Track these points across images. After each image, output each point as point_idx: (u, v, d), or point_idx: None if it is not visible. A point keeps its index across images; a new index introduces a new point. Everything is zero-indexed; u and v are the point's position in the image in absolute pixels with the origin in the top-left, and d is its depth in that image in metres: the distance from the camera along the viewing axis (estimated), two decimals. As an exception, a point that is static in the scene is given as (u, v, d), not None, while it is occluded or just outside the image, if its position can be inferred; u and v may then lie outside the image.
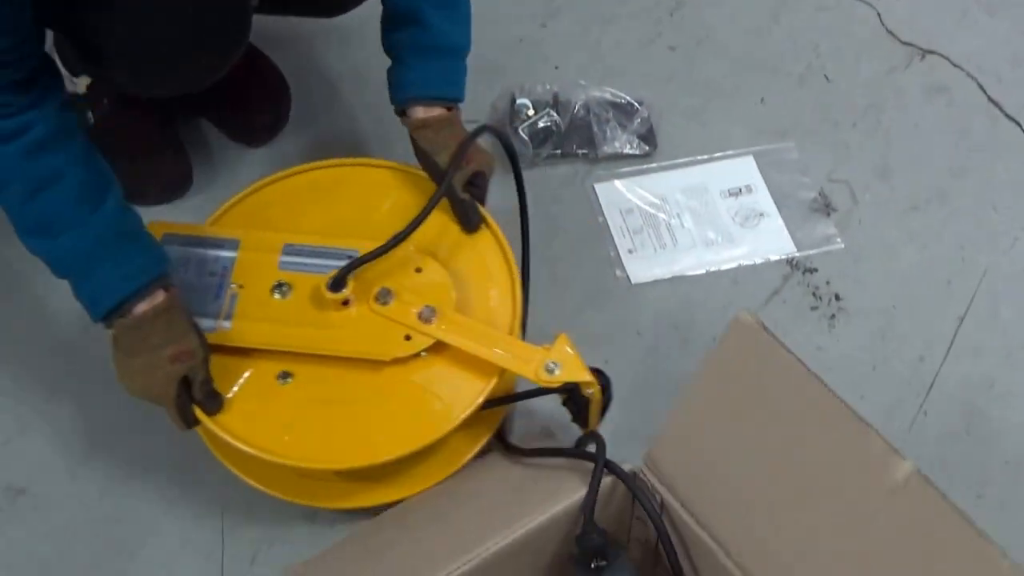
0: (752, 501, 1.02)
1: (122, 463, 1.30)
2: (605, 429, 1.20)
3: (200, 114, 1.58)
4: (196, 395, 1.15)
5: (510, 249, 1.31)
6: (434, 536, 1.12)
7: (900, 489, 0.92)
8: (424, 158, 1.31)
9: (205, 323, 1.19)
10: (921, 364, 1.47)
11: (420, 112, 1.30)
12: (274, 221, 1.30)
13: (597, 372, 1.21)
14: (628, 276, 1.52)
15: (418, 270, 1.25)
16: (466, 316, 1.23)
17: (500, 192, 1.40)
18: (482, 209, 1.33)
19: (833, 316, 1.49)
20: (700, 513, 1.06)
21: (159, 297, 1.13)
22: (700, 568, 1.09)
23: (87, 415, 1.33)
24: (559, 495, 1.09)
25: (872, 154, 1.65)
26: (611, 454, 1.11)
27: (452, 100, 1.32)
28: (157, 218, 1.39)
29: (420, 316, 1.21)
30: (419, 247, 1.27)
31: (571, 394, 1.23)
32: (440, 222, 1.31)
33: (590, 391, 1.21)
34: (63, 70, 1.40)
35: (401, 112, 1.32)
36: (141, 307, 1.12)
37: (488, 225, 1.33)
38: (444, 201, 1.30)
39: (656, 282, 1.51)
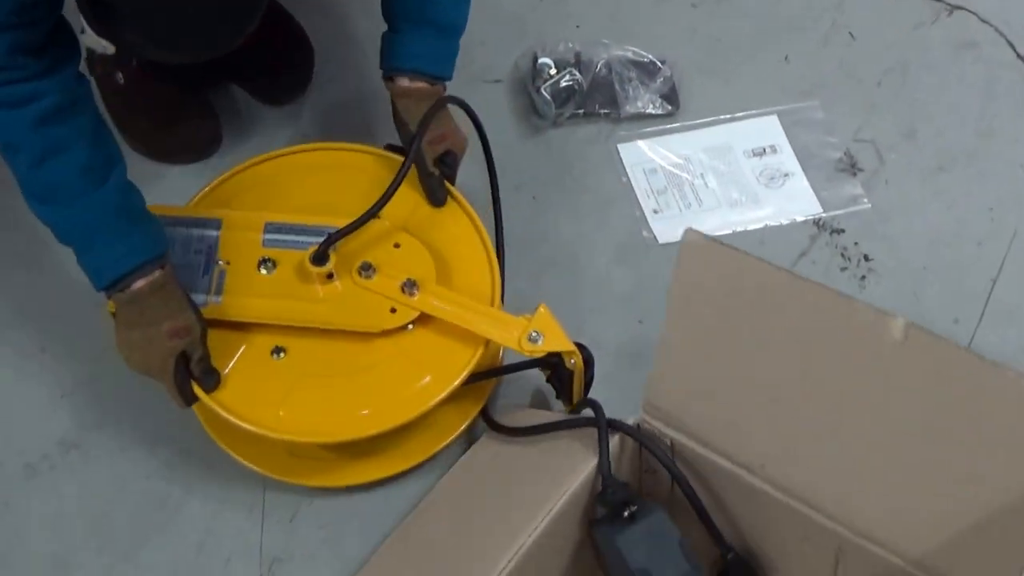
0: (761, 409, 1.01)
1: (171, 421, 1.30)
2: (625, 390, 1.21)
3: (225, 74, 1.58)
4: (194, 371, 1.17)
5: (481, 223, 1.34)
6: (469, 540, 1.13)
7: (902, 344, 0.93)
8: (401, 127, 1.34)
9: (195, 298, 1.21)
10: (956, 327, 1.47)
11: (404, 82, 1.31)
12: (253, 203, 1.32)
13: (580, 347, 1.23)
14: (655, 236, 1.52)
15: (396, 245, 1.28)
16: (447, 289, 1.26)
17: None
18: (451, 187, 1.35)
19: (863, 277, 1.49)
20: (713, 440, 1.06)
21: (156, 274, 1.15)
22: (725, 500, 1.10)
23: (137, 374, 1.33)
24: (573, 468, 1.09)
25: (898, 113, 1.65)
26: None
27: (439, 78, 1.33)
28: (185, 178, 1.41)
29: (403, 289, 1.24)
30: (395, 223, 1.29)
31: (555, 368, 1.26)
32: (415, 200, 1.34)
33: (572, 361, 1.22)
34: (92, 31, 1.39)
35: (388, 78, 1.33)
36: (139, 283, 1.14)
37: (458, 201, 1.35)
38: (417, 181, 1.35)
39: (683, 242, 1.51)
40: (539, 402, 1.36)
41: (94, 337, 1.34)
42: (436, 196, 1.33)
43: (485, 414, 1.31)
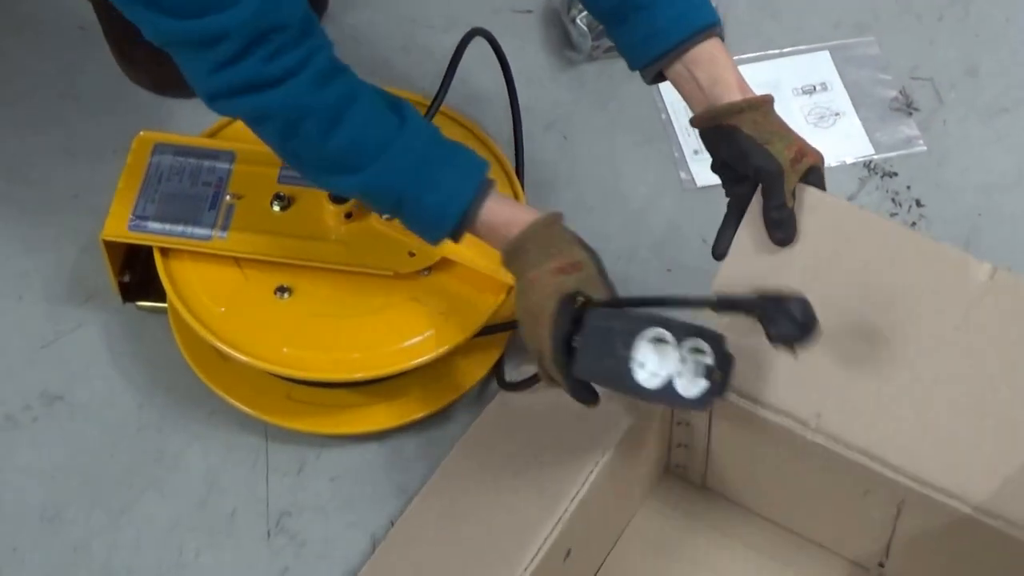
0: (814, 356, 0.92)
1: (161, 371, 1.25)
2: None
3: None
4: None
5: (512, 168, 1.28)
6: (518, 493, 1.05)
7: (988, 285, 0.91)
8: (743, 149, 1.01)
9: (199, 232, 1.17)
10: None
11: (709, 48, 1.02)
12: None
13: None
14: (693, 178, 1.43)
15: None
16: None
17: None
18: (482, 132, 1.27)
19: (914, 224, 1.39)
20: (762, 395, 0.98)
21: (503, 201, 1.01)
22: (776, 460, 1.04)
23: (125, 321, 1.28)
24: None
25: (958, 50, 1.54)
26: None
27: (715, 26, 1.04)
28: (196, 114, 1.32)
29: None
30: None
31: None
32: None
33: None
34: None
35: (666, 60, 1.03)
36: (487, 210, 1.00)
37: (488, 146, 1.29)
38: (449, 119, 1.27)
39: (723, 185, 1.43)
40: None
41: (76, 284, 1.28)
42: (784, 234, 1.01)
43: (498, 374, 1.23)
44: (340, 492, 1.19)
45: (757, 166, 1.00)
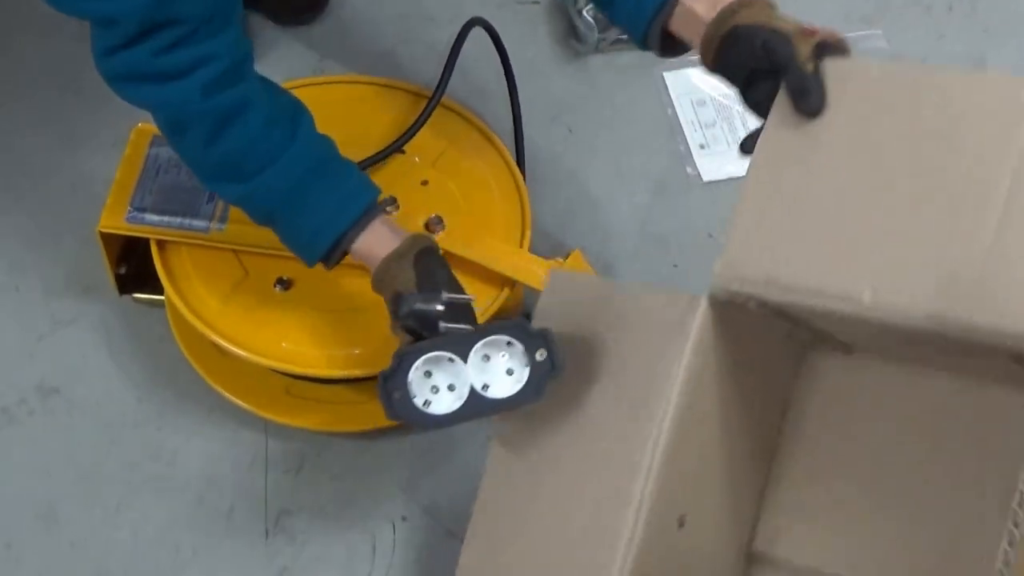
0: (864, 235, 0.85)
1: (160, 365, 1.23)
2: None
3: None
4: None
5: (514, 162, 1.27)
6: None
7: None
8: (747, 36, 0.92)
9: (197, 223, 1.16)
10: None
11: None
12: None
13: None
14: (699, 173, 1.41)
15: (424, 182, 1.23)
16: (474, 228, 1.20)
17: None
18: (483, 124, 1.26)
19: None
20: (809, 285, 0.87)
21: (382, 232, 0.99)
22: None
23: (123, 314, 1.26)
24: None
25: (968, 43, 1.52)
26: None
27: None
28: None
29: (427, 226, 1.18)
30: (425, 160, 1.24)
31: None
32: (448, 134, 1.27)
33: None
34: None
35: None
36: (361, 240, 0.98)
37: (491, 140, 1.28)
38: (451, 112, 1.25)
39: (730, 180, 1.40)
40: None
41: (74, 276, 1.26)
42: (810, 100, 0.89)
43: None
44: (341, 491, 1.17)
45: (764, 40, 0.91)
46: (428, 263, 0.97)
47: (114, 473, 1.17)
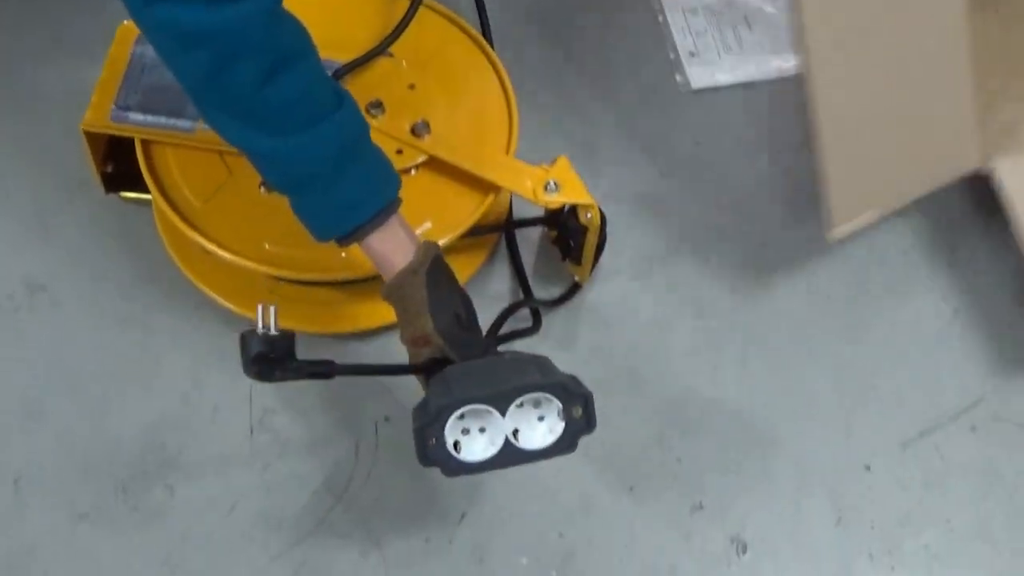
0: None
1: (146, 264, 1.23)
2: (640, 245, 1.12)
3: None
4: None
5: (503, 68, 1.25)
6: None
7: None
8: None
9: (182, 123, 1.14)
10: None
11: None
12: None
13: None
14: (688, 81, 1.40)
15: (411, 86, 1.21)
16: (461, 134, 1.19)
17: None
18: (475, 32, 1.26)
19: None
20: None
21: (397, 233, 0.97)
22: None
23: (111, 212, 1.26)
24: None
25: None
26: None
27: None
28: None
29: (413, 130, 1.17)
30: (412, 64, 1.22)
31: (565, 227, 1.19)
32: (436, 38, 1.26)
33: (588, 216, 1.14)
34: None
35: None
36: (377, 237, 0.97)
37: (480, 45, 1.27)
38: (440, 15, 1.24)
39: (719, 89, 1.40)
40: (541, 265, 1.27)
41: (62, 175, 1.26)
42: None
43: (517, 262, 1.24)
44: (325, 391, 1.17)
45: None
46: (438, 278, 0.98)
47: (100, 370, 1.18)
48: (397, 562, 1.10)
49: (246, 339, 0.91)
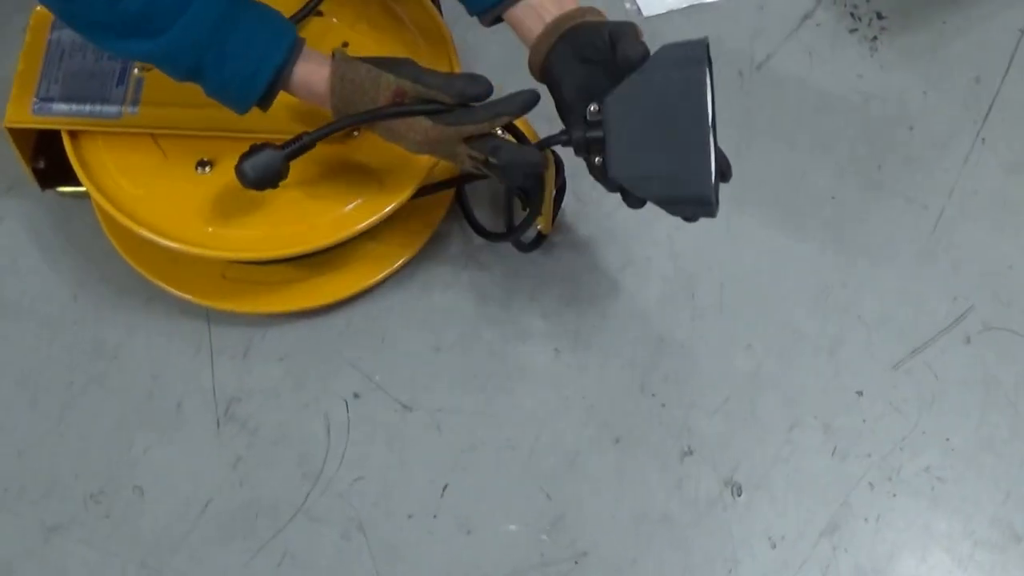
0: None
1: (93, 260, 1.18)
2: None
3: None
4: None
5: (440, 18, 1.19)
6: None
7: None
8: (597, 28, 0.99)
9: (109, 109, 1.09)
10: (977, 86, 1.30)
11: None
12: None
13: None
14: (639, 7, 1.34)
15: (345, 44, 1.14)
16: None
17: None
18: None
19: (875, 38, 1.32)
20: None
21: (313, 57, 0.99)
22: None
23: (50, 209, 1.21)
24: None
25: None
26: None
27: None
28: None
29: None
30: (344, 21, 1.17)
31: None
32: None
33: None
34: None
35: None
36: (298, 71, 0.98)
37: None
38: None
39: (671, 13, 1.34)
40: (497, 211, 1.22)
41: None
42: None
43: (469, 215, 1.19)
44: (290, 372, 1.13)
45: (611, 30, 0.98)
46: (367, 60, 0.99)
47: (56, 374, 1.13)
48: (381, 542, 1.06)
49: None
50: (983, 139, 1.27)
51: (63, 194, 1.20)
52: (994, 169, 1.26)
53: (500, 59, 1.17)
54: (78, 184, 1.16)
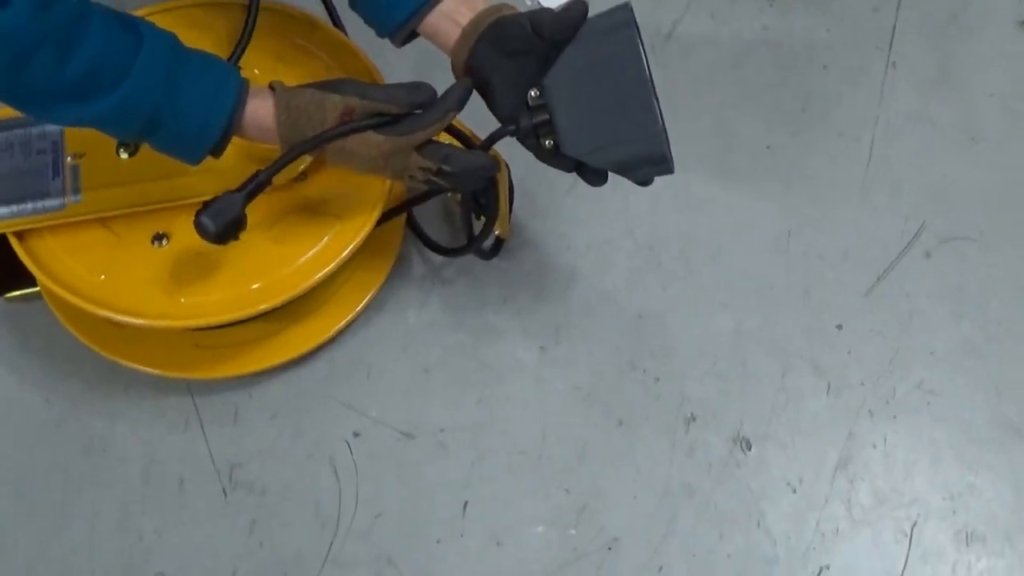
0: None
1: (57, 359, 1.16)
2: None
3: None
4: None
5: (354, 43, 1.18)
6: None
7: None
8: (518, 21, 0.99)
9: (50, 203, 1.06)
10: (877, 14, 1.35)
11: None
12: None
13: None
14: (539, 1, 1.36)
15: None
16: None
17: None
18: (317, 19, 1.19)
19: None
20: None
21: (260, 94, 0.98)
22: None
23: (1, 318, 1.18)
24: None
25: None
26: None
27: None
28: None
29: None
30: (265, 69, 1.15)
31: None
32: (280, 36, 1.17)
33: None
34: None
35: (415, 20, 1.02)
36: (248, 111, 0.97)
37: (326, 29, 1.19)
38: (279, 13, 1.18)
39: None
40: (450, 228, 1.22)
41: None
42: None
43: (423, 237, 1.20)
44: (285, 427, 1.12)
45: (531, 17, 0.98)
46: (309, 85, 0.99)
47: (48, 479, 1.11)
48: (417, 571, 1.06)
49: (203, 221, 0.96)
50: (893, 63, 1.31)
51: (10, 299, 1.17)
52: (910, 91, 1.30)
53: (415, 73, 1.17)
54: (25, 286, 1.14)
